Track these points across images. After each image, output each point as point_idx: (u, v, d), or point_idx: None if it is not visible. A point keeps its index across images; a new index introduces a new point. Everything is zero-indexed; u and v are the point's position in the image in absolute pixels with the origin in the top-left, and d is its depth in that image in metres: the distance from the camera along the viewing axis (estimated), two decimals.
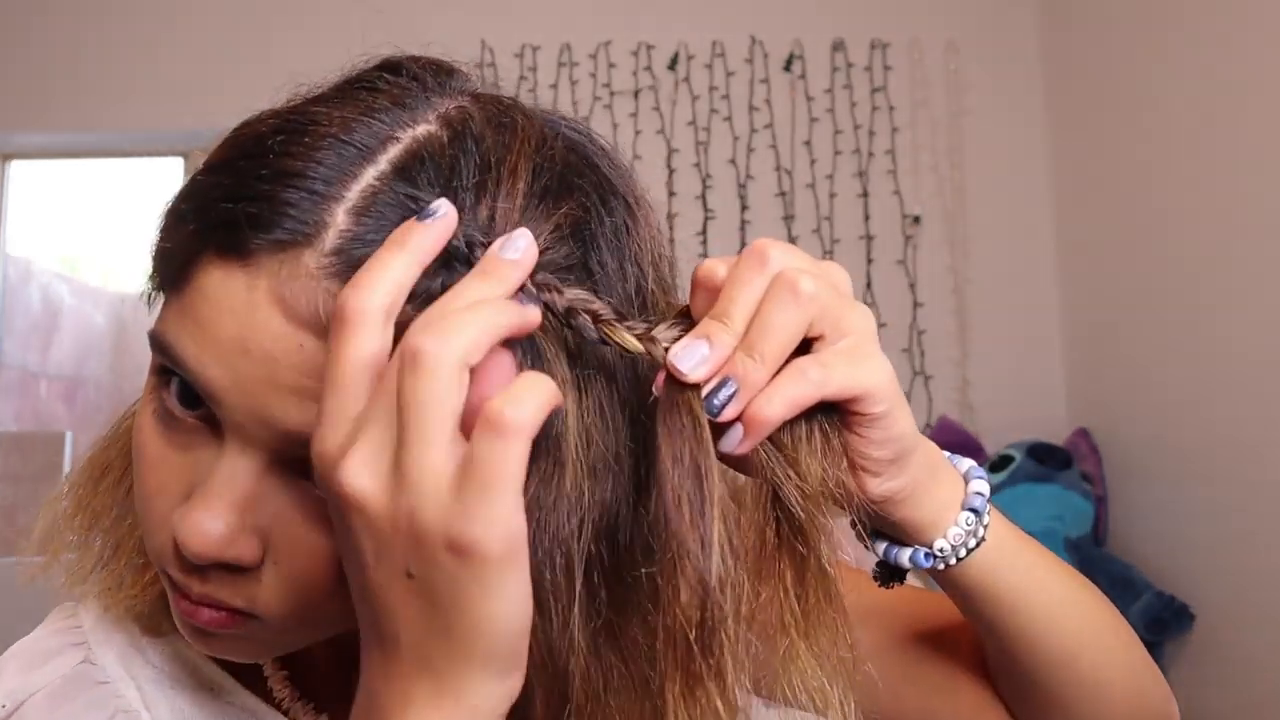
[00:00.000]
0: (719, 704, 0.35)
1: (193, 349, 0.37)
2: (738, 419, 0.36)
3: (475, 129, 0.39)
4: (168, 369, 0.39)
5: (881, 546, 0.44)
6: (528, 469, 0.32)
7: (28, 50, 2.69)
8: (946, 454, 0.46)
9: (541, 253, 0.37)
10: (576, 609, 0.36)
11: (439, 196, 0.36)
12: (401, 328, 0.34)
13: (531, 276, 0.36)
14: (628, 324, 0.37)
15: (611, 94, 2.65)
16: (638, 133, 2.63)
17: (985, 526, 0.43)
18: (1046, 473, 2.17)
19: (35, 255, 3.26)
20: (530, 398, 0.31)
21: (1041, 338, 2.57)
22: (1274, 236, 1.75)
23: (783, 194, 2.62)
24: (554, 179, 0.39)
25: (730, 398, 0.36)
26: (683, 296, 0.42)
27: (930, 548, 0.43)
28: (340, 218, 0.36)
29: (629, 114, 2.63)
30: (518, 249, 0.35)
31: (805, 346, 0.37)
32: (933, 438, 2.57)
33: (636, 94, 2.65)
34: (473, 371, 0.32)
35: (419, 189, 0.36)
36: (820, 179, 2.62)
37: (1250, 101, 1.82)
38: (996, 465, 2.25)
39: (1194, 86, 1.99)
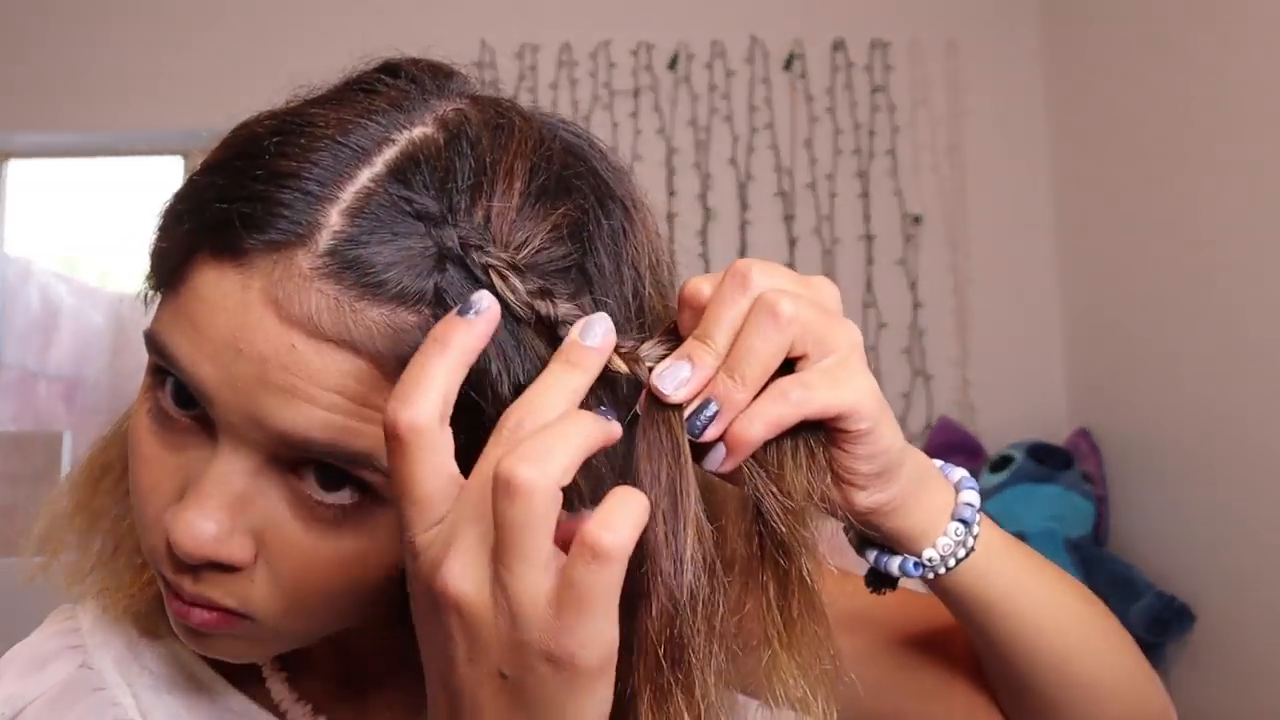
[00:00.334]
0: (687, 718, 0.35)
1: (186, 348, 0.37)
2: (720, 439, 0.37)
3: (471, 131, 0.39)
4: (163, 369, 0.39)
5: (872, 555, 0.45)
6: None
7: (28, 50, 2.69)
8: (940, 463, 0.46)
9: (537, 253, 0.38)
10: None
11: (433, 198, 0.37)
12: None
13: (525, 281, 0.36)
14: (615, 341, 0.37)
15: (611, 94, 2.64)
16: (638, 133, 2.62)
17: (975, 537, 0.44)
18: (1047, 473, 2.17)
19: (34, 255, 3.26)
20: (625, 522, 0.32)
21: (1042, 337, 2.57)
22: (1276, 236, 1.75)
23: (783, 194, 2.62)
24: (551, 180, 0.39)
25: (712, 418, 0.36)
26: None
27: (919, 557, 0.43)
28: (334, 219, 0.36)
29: (629, 114, 2.63)
30: (596, 336, 0.35)
31: (791, 365, 0.37)
32: (933, 438, 2.55)
33: (636, 94, 2.65)
34: None
35: (413, 190, 0.37)
36: (820, 179, 2.62)
37: (1252, 101, 1.81)
38: (996, 465, 2.24)
39: (1195, 86, 1.99)
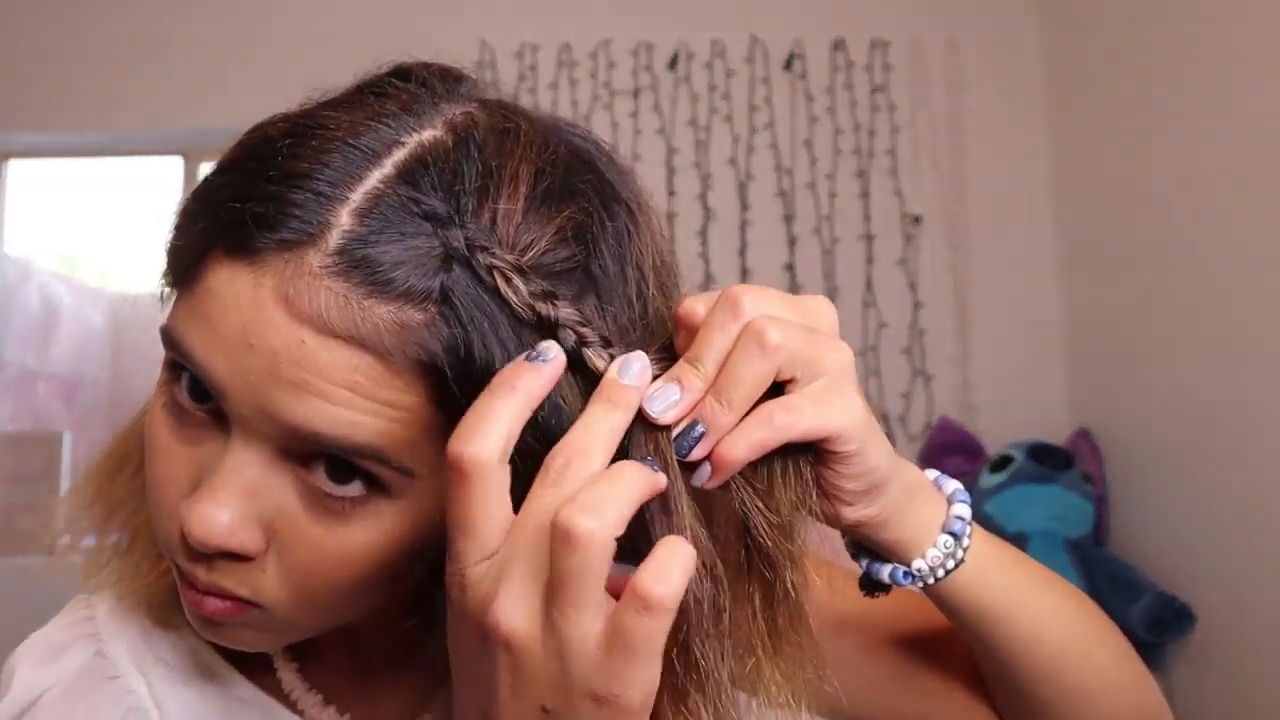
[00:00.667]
0: (705, 714, 0.37)
1: (200, 344, 0.38)
2: (706, 458, 0.38)
3: (479, 135, 0.40)
4: (178, 364, 0.41)
5: (864, 562, 0.46)
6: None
7: (28, 50, 2.69)
8: (935, 474, 0.48)
9: (542, 255, 0.39)
10: None
11: (441, 199, 0.38)
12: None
13: (528, 283, 0.37)
14: (611, 351, 0.38)
15: (611, 94, 2.64)
16: (638, 133, 2.62)
17: (965, 549, 0.45)
18: (1047, 473, 2.16)
19: (34, 255, 3.26)
20: (676, 573, 0.33)
21: (1042, 337, 2.56)
22: (1276, 236, 1.74)
23: (783, 194, 2.62)
24: (556, 183, 0.40)
25: (698, 439, 0.37)
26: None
27: (909, 566, 0.45)
28: (344, 218, 0.37)
29: (629, 114, 2.63)
30: (633, 374, 0.37)
31: (781, 388, 0.39)
32: (933, 438, 2.55)
33: (636, 94, 2.65)
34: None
35: (421, 192, 0.38)
36: (820, 179, 2.62)
37: (1252, 101, 1.81)
38: (996, 465, 2.24)
39: (1195, 85, 1.99)
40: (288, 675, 0.51)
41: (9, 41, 2.70)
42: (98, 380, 3.53)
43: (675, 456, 0.38)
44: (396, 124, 0.39)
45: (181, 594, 0.42)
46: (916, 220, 2.61)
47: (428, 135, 0.39)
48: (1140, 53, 2.19)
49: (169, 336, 0.40)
